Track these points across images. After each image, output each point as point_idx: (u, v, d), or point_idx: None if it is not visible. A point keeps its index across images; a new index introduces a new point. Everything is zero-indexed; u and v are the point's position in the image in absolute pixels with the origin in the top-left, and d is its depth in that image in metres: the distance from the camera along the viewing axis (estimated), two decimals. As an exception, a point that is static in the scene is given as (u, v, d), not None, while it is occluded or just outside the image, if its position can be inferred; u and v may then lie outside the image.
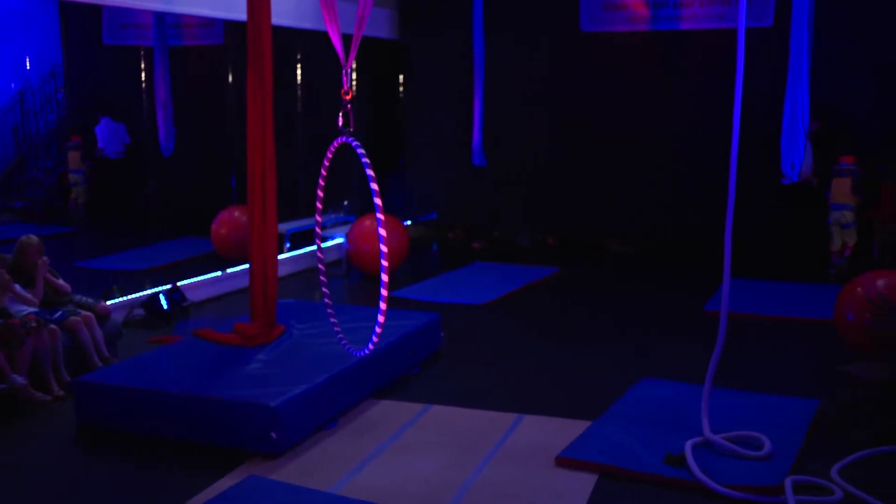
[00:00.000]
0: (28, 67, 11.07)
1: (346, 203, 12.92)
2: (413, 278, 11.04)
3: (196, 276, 10.03)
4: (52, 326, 6.88)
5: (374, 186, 4.52)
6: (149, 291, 9.22)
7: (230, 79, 11.89)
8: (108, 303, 8.12)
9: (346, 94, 4.96)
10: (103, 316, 7.56)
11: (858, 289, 7.49)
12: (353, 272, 11.43)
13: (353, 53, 5.09)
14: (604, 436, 5.82)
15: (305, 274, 11.45)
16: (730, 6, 11.83)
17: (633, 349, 8.13)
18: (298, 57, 12.58)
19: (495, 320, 9.34)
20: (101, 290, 8.71)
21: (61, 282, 7.49)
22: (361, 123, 13.23)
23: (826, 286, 10.02)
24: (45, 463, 5.66)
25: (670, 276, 11.51)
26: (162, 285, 9.34)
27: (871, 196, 10.59)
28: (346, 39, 5.11)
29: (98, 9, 11.26)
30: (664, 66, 12.34)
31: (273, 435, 5.55)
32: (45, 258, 7.31)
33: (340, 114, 4.90)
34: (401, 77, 14.21)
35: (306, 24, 11.14)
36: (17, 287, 7.05)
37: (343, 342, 5.37)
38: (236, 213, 11.02)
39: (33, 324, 6.71)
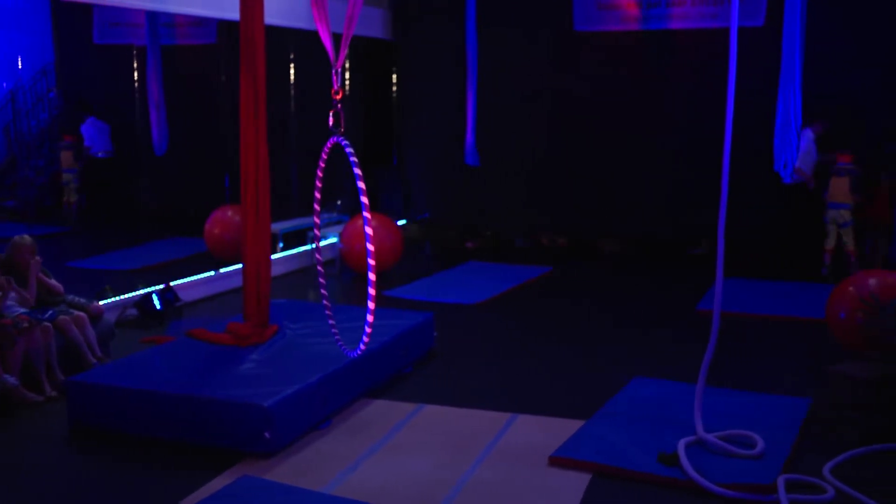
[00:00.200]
0: (20, 66, 11.02)
1: (339, 203, 12.90)
2: (407, 278, 11.04)
3: (189, 275, 10.02)
4: (46, 324, 6.87)
5: (361, 185, 4.49)
6: (142, 291, 9.20)
7: (223, 78, 11.86)
8: (101, 303, 8.10)
9: (337, 93, 4.92)
10: (96, 316, 7.54)
11: (850, 288, 7.53)
12: (346, 272, 11.42)
13: (343, 52, 5.05)
14: (597, 435, 5.83)
15: (298, 274, 11.45)
16: (722, 6, 11.83)
17: (627, 348, 8.14)
18: (292, 57, 12.56)
19: (489, 320, 9.34)
20: (93, 290, 8.68)
21: (54, 282, 7.47)
22: (354, 123, 13.22)
23: (819, 285, 10.04)
24: (38, 463, 5.64)
25: (665, 275, 11.52)
26: (155, 285, 9.31)
27: (866, 195, 10.63)
28: (337, 39, 5.09)
29: (89, 7, 11.21)
30: (658, 65, 12.35)
31: (266, 435, 5.54)
32: (37, 258, 7.29)
33: (331, 113, 4.88)
34: (394, 77, 14.20)
35: (299, 24, 11.12)
36: (15, 288, 7.04)
37: (339, 343, 5.36)
38: (229, 213, 10.98)
39: (25, 324, 6.68)
